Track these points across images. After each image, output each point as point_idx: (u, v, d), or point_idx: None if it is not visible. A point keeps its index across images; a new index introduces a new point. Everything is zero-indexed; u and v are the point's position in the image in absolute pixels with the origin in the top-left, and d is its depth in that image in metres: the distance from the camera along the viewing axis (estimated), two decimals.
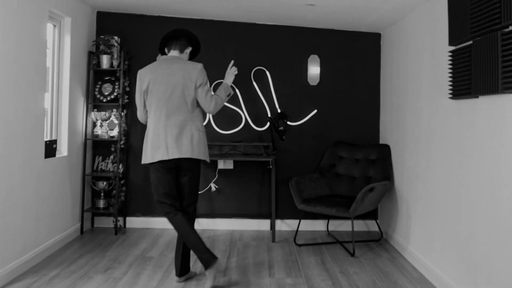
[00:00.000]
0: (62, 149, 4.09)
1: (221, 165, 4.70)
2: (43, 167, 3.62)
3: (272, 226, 4.34)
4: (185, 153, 3.02)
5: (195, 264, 3.46)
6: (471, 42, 2.71)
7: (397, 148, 4.22)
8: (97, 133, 4.54)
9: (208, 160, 3.18)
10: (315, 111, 4.75)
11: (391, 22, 4.31)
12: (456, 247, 2.94)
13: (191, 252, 3.21)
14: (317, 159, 4.73)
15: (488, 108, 2.57)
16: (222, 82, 4.65)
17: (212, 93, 3.17)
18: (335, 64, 4.78)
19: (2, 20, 3.02)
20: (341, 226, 4.77)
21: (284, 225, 4.73)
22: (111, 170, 4.65)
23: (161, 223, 4.71)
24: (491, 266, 2.51)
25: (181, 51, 3.22)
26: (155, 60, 4.67)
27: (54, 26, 4.01)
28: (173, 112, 3.05)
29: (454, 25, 2.90)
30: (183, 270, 3.19)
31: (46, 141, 3.67)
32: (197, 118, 3.13)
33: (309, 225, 4.75)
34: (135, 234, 4.45)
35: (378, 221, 4.72)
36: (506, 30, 2.35)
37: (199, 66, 3.14)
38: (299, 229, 4.56)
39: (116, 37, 4.57)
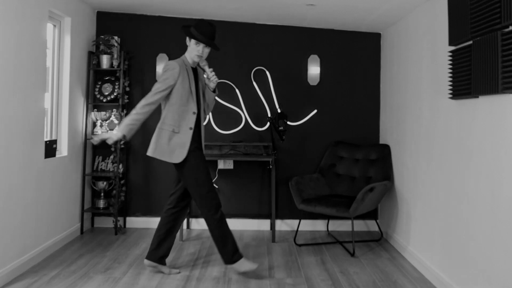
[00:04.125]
0: (62, 149, 4.09)
1: (221, 165, 4.69)
2: (43, 167, 3.62)
3: (272, 226, 4.34)
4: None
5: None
6: (471, 42, 2.71)
7: (397, 148, 4.22)
8: (97, 133, 4.54)
9: (155, 156, 3.17)
10: (315, 111, 4.75)
11: (391, 22, 4.31)
12: (456, 247, 2.94)
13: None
14: (317, 159, 4.73)
15: (488, 108, 2.57)
16: (224, 82, 4.71)
17: (150, 99, 3.07)
18: (335, 64, 4.78)
19: (2, 20, 3.01)
20: (341, 226, 4.77)
21: (284, 225, 4.73)
22: (111, 170, 4.65)
23: None
24: (492, 266, 2.51)
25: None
26: (154, 60, 4.73)
27: (54, 26, 4.01)
28: None
29: (454, 25, 2.90)
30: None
31: (46, 141, 3.67)
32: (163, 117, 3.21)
33: (309, 225, 4.75)
34: (135, 234, 4.45)
35: (378, 221, 4.72)
36: (506, 30, 2.35)
37: (165, 65, 3.19)
38: (299, 229, 4.56)
39: (116, 37, 4.57)
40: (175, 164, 3.20)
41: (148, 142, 4.67)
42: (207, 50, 3.21)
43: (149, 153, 3.18)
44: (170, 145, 3.14)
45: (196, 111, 3.19)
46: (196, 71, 3.30)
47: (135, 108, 3.09)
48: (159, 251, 3.31)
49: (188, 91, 3.16)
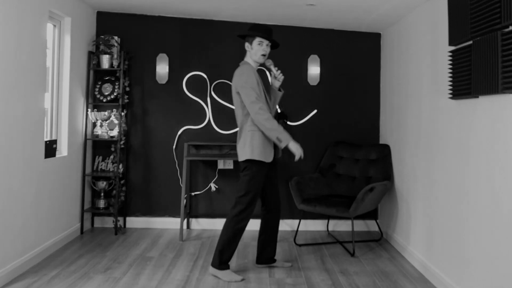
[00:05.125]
0: (62, 149, 4.09)
1: (221, 165, 4.70)
2: (43, 167, 3.61)
3: None
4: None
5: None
6: (471, 42, 2.71)
7: (397, 148, 4.22)
8: (97, 133, 4.54)
9: (255, 158, 3.22)
10: (315, 111, 4.75)
11: (391, 22, 4.31)
12: (456, 247, 2.94)
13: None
14: (317, 159, 4.73)
15: (488, 108, 2.57)
16: (224, 82, 4.71)
17: (256, 102, 3.15)
18: (335, 64, 4.78)
19: (2, 20, 3.02)
20: (341, 226, 4.76)
21: (284, 225, 4.73)
22: (111, 170, 4.65)
23: (161, 223, 4.71)
24: (492, 266, 2.51)
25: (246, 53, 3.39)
26: (154, 60, 4.73)
27: (54, 26, 4.01)
28: None
29: (454, 25, 2.90)
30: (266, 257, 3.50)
31: (46, 141, 3.67)
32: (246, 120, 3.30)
33: (309, 225, 4.75)
34: (135, 234, 4.45)
35: (378, 221, 4.72)
36: (506, 30, 2.35)
37: (238, 70, 3.29)
38: (299, 229, 4.56)
39: (116, 37, 4.57)
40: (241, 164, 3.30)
41: (148, 143, 4.72)
42: (268, 49, 3.31)
43: (248, 156, 3.21)
44: (264, 144, 3.24)
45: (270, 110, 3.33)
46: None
47: (264, 125, 3.13)
48: (265, 254, 3.51)
49: (263, 92, 3.29)
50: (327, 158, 4.61)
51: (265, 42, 3.28)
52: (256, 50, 3.29)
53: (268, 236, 3.49)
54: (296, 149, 3.18)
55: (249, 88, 3.17)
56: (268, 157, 3.27)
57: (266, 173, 3.32)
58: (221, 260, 3.26)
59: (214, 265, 3.29)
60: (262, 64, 3.41)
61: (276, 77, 3.37)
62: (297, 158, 3.20)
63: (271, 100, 3.44)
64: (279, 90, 3.44)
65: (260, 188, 3.29)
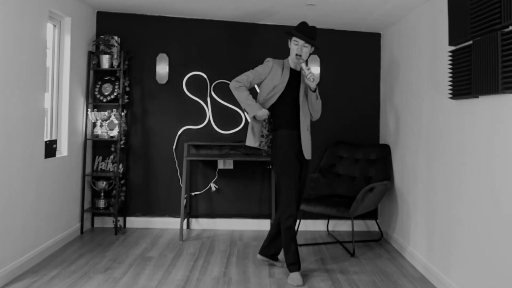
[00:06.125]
0: (62, 149, 4.09)
1: (221, 165, 4.70)
2: (43, 167, 3.62)
3: None
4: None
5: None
6: (471, 42, 2.71)
7: (397, 148, 4.22)
8: (97, 133, 4.54)
9: (250, 144, 3.37)
10: None
11: (391, 22, 4.31)
12: (456, 247, 2.94)
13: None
14: (317, 159, 4.72)
15: (488, 108, 2.57)
16: (224, 82, 4.71)
17: (236, 80, 3.31)
18: (335, 64, 4.78)
19: (2, 20, 3.02)
20: (341, 226, 4.76)
21: None
22: (111, 170, 4.65)
23: (161, 223, 4.71)
24: (492, 266, 2.51)
25: None
26: (154, 60, 4.73)
27: (54, 26, 4.01)
28: None
29: (454, 25, 2.90)
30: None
31: (46, 141, 3.67)
32: None
33: (309, 225, 4.75)
34: (135, 234, 4.45)
35: (378, 221, 4.72)
36: (506, 30, 2.35)
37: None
38: (299, 229, 4.56)
39: (116, 37, 4.57)
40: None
41: (148, 143, 4.73)
42: (306, 50, 3.28)
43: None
44: (253, 131, 3.35)
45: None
46: (299, 74, 3.37)
47: (234, 93, 3.31)
48: (271, 248, 3.52)
49: (275, 88, 3.28)
50: (327, 158, 4.61)
51: (301, 42, 3.26)
52: (292, 49, 3.31)
53: (278, 233, 3.46)
54: (262, 115, 3.23)
55: (251, 71, 3.32)
56: (251, 142, 3.34)
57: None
58: (289, 262, 3.27)
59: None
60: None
61: (306, 76, 3.23)
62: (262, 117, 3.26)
63: (308, 100, 3.37)
64: (314, 90, 3.33)
65: (292, 179, 3.24)
